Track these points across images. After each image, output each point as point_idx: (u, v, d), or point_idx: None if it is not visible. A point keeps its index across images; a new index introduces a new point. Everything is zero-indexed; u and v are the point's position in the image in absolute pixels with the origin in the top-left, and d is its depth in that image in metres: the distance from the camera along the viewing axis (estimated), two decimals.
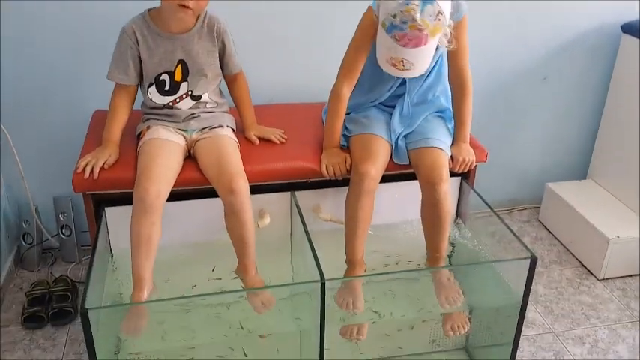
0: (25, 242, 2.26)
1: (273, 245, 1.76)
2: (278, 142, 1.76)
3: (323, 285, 1.42)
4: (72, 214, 2.26)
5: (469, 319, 1.73)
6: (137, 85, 1.67)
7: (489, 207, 1.68)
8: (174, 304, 1.49)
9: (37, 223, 2.25)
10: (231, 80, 1.77)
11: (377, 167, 1.61)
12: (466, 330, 1.68)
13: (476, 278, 1.73)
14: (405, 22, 1.45)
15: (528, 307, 1.58)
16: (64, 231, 2.28)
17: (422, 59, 1.53)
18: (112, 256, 1.66)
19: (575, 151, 2.67)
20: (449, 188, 1.62)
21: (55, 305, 2.02)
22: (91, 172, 1.56)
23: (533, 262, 1.51)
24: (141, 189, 1.48)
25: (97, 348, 1.34)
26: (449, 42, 1.55)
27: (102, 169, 1.58)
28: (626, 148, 2.39)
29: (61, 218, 2.27)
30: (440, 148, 1.66)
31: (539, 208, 2.67)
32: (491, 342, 1.84)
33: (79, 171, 1.57)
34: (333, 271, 1.52)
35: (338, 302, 1.59)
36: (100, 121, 1.82)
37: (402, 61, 1.52)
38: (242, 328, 1.57)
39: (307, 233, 1.55)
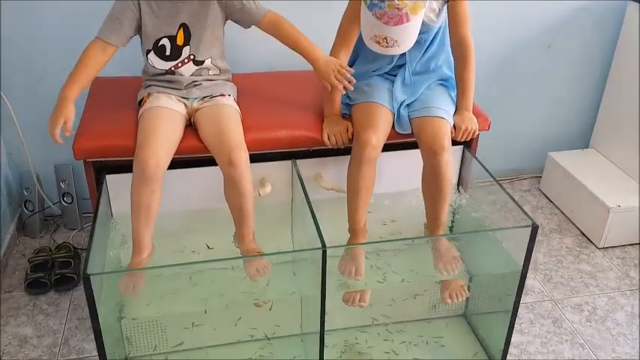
0: (27, 209, 2.27)
1: (275, 214, 1.76)
2: (343, 90, 1.65)
3: (324, 252, 1.43)
4: (73, 181, 2.26)
5: (468, 286, 1.75)
6: (115, 50, 1.58)
7: (491, 175, 1.67)
8: (173, 271, 1.51)
9: (38, 191, 2.25)
10: (268, 25, 1.66)
11: (378, 136, 1.60)
12: (464, 297, 1.70)
13: (476, 246, 1.74)
14: (383, 1, 1.44)
15: (528, 275, 1.59)
16: (65, 198, 2.29)
17: (406, 37, 1.52)
18: (114, 222, 1.67)
19: (578, 120, 2.65)
20: (450, 157, 1.61)
21: (58, 272, 2.04)
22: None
23: (535, 230, 1.52)
24: (141, 159, 1.47)
25: (99, 313, 1.36)
26: (437, 17, 1.53)
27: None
28: (630, 118, 2.38)
29: (62, 186, 2.27)
30: (442, 117, 1.64)
31: (540, 177, 2.67)
32: (490, 309, 1.86)
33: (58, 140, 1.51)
34: (334, 240, 1.53)
35: (340, 270, 1.60)
36: (99, 87, 1.81)
37: (386, 38, 1.50)
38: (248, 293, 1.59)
39: (309, 202, 1.55)
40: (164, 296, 1.56)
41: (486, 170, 1.69)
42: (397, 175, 1.77)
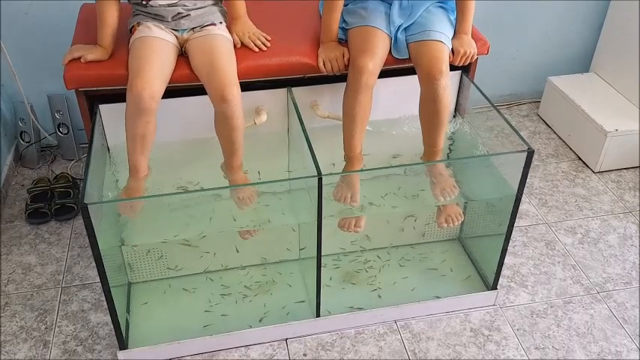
0: (23, 141, 2.26)
1: (270, 142, 1.76)
2: (256, 49, 1.63)
3: (320, 180, 1.43)
4: (67, 112, 2.24)
5: (463, 211, 1.77)
6: None
7: (489, 101, 1.66)
8: (169, 200, 1.53)
9: (33, 122, 2.24)
10: None
11: (375, 61, 1.57)
12: (459, 222, 1.73)
13: (473, 172, 1.75)
14: None
15: (523, 199, 1.61)
16: (60, 129, 2.28)
17: None
18: (109, 152, 1.67)
19: (579, 43, 2.60)
20: (448, 82, 1.59)
21: (58, 201, 2.06)
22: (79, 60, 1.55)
23: (530, 155, 1.52)
24: (134, 91, 1.45)
25: (99, 241, 1.38)
26: None
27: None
28: (632, 41, 2.33)
29: (57, 116, 2.25)
30: (441, 41, 1.61)
31: (539, 102, 2.65)
32: (484, 233, 1.90)
33: (63, 62, 1.55)
34: (330, 168, 1.53)
35: (335, 197, 1.62)
36: (88, 15, 1.76)
37: None
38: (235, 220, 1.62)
39: (304, 130, 1.54)
40: (161, 224, 1.58)
41: (484, 96, 1.67)
42: (394, 102, 1.75)
